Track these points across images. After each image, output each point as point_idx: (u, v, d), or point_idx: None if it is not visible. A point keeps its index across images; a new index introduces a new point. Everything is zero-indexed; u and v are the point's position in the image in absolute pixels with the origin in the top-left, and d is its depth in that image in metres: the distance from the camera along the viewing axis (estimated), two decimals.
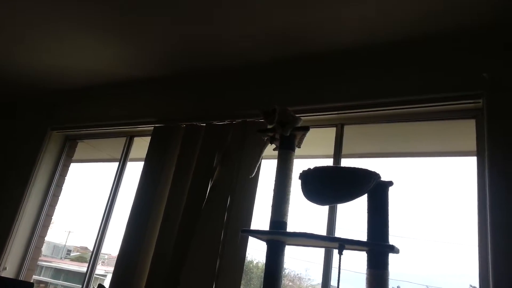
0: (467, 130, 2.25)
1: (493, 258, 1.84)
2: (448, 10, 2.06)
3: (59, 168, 3.56)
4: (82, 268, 3.55)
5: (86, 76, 3.38)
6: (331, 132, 2.56)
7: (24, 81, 3.62)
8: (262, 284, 1.64)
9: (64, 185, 3.58)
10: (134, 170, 3.13)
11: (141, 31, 2.63)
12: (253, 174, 2.15)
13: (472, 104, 2.19)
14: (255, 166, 2.12)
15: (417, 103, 2.29)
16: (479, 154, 2.12)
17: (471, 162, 2.15)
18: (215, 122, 2.78)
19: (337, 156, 2.46)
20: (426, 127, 2.49)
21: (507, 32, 2.16)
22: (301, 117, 1.92)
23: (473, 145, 2.17)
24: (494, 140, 2.02)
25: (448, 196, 2.32)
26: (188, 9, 2.34)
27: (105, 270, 3.52)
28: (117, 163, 3.25)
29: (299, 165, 1.81)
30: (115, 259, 2.73)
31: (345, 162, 2.46)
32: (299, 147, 1.99)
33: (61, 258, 4.42)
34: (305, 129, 1.90)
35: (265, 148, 2.05)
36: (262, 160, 2.39)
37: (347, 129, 2.55)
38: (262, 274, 1.67)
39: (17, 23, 2.72)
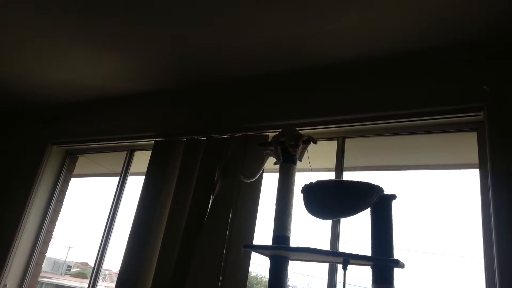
0: (469, 142, 2.25)
1: (499, 271, 1.83)
2: (447, 22, 2.08)
3: (60, 183, 3.54)
4: (83, 284, 3.52)
5: (87, 90, 3.39)
6: (332, 145, 2.56)
7: (24, 95, 3.62)
8: None
9: (64, 200, 3.56)
10: (135, 185, 3.13)
11: (141, 45, 2.64)
12: (254, 178, 2.14)
13: (473, 117, 2.20)
14: (257, 172, 2.12)
15: (418, 116, 2.29)
16: (482, 166, 2.12)
17: (474, 175, 2.14)
18: (215, 136, 2.78)
19: (339, 169, 2.46)
20: (428, 139, 2.49)
21: (507, 44, 2.17)
22: (303, 131, 1.93)
23: (475, 158, 2.17)
24: (496, 152, 2.02)
25: (452, 209, 2.31)
26: (187, 23, 2.35)
27: (105, 287, 3.48)
28: (117, 178, 3.24)
29: (301, 179, 1.81)
30: (116, 275, 2.70)
31: (347, 175, 2.46)
32: (301, 160, 1.99)
33: (61, 274, 4.38)
34: (307, 142, 1.91)
35: (264, 161, 2.05)
36: (264, 174, 2.39)
37: (349, 142, 2.55)
38: None
39: (18, 37, 2.73)
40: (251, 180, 2.25)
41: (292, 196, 1.81)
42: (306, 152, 1.95)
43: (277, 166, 1.96)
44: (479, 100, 2.15)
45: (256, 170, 2.16)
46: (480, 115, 2.17)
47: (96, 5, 2.29)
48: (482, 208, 2.05)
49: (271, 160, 2.07)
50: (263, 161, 2.08)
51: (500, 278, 1.82)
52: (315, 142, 1.91)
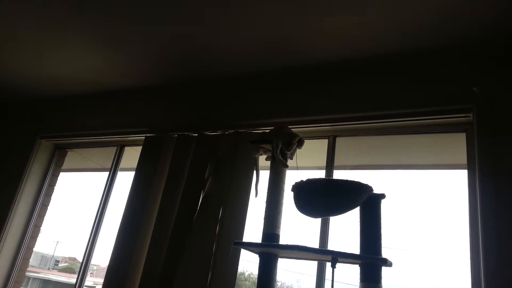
0: (458, 143, 2.27)
1: (485, 270, 1.86)
2: (439, 24, 2.09)
3: (48, 178, 3.51)
4: (71, 279, 3.50)
5: (77, 85, 3.36)
6: (323, 143, 2.57)
7: (13, 89, 3.58)
8: None
9: (53, 194, 3.54)
10: (125, 180, 3.11)
11: (134, 41, 2.63)
12: (258, 194, 2.13)
13: (463, 118, 2.22)
14: (256, 185, 2.11)
15: (408, 116, 2.31)
16: (470, 167, 2.14)
17: (462, 175, 2.17)
18: (207, 133, 2.78)
19: (330, 168, 2.47)
20: (417, 139, 2.51)
21: (497, 47, 2.19)
22: (294, 129, 1.94)
23: (463, 158, 2.19)
24: (484, 153, 2.04)
25: (440, 208, 2.34)
26: (179, 20, 2.35)
27: (93, 282, 3.47)
28: (107, 173, 3.22)
29: (292, 177, 1.82)
30: (104, 270, 2.69)
31: (338, 174, 2.47)
32: (291, 158, 2.00)
33: (49, 269, 4.35)
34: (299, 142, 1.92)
35: (257, 163, 2.05)
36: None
37: (339, 141, 2.57)
38: (254, 287, 1.66)
39: (8, 30, 2.70)
40: (257, 195, 2.22)
41: (283, 194, 1.82)
42: (296, 150, 1.96)
43: (268, 164, 1.97)
44: (468, 101, 2.17)
45: (255, 178, 2.15)
46: (469, 116, 2.19)
47: (90, 2, 2.27)
48: (469, 208, 2.07)
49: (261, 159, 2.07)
50: (257, 172, 2.08)
51: (485, 277, 1.85)
52: (301, 146, 1.92)
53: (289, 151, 1.86)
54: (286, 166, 1.88)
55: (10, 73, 3.31)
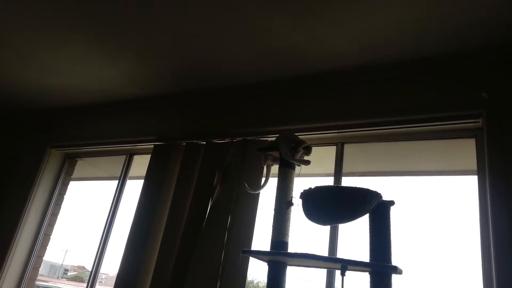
0: (468, 149, 2.26)
1: (497, 277, 1.83)
2: (448, 30, 2.09)
3: (58, 187, 3.54)
4: None
5: (87, 94, 3.40)
6: (331, 151, 2.56)
7: (23, 99, 3.63)
8: None
9: (63, 203, 3.56)
10: (134, 188, 3.12)
11: (142, 50, 2.65)
12: (256, 191, 2.11)
13: (472, 124, 2.21)
14: (263, 184, 2.10)
15: (417, 122, 2.30)
16: (480, 173, 2.13)
17: (473, 181, 2.15)
18: (215, 141, 2.79)
19: (338, 174, 2.46)
20: (426, 146, 2.50)
21: (506, 52, 2.18)
22: (302, 136, 1.93)
23: (473, 164, 2.17)
24: (494, 159, 2.02)
25: (450, 215, 2.31)
26: (187, 29, 2.37)
27: None
28: (116, 181, 3.24)
29: (300, 184, 1.81)
30: (113, 279, 2.69)
31: (346, 181, 2.46)
32: (299, 165, 1.98)
33: (58, 278, 4.37)
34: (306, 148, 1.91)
35: (268, 172, 2.04)
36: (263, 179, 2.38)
37: (347, 148, 2.56)
38: None
39: (19, 41, 2.74)
40: (256, 192, 2.23)
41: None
42: (304, 157, 1.95)
43: (276, 171, 1.96)
44: (477, 107, 2.16)
45: (263, 182, 2.14)
46: (478, 122, 2.18)
47: (97, 10, 2.30)
48: (480, 214, 2.05)
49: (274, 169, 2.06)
50: (268, 174, 2.07)
51: (497, 284, 1.82)
52: (309, 153, 1.90)
53: (294, 155, 1.84)
54: (308, 162, 1.87)
55: (20, 84, 3.35)
